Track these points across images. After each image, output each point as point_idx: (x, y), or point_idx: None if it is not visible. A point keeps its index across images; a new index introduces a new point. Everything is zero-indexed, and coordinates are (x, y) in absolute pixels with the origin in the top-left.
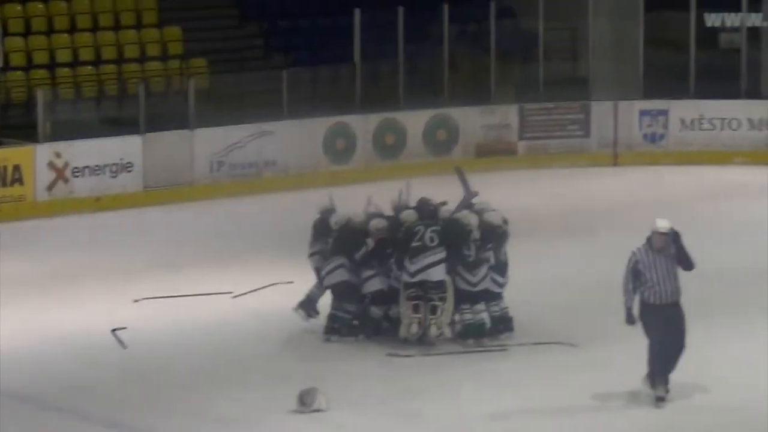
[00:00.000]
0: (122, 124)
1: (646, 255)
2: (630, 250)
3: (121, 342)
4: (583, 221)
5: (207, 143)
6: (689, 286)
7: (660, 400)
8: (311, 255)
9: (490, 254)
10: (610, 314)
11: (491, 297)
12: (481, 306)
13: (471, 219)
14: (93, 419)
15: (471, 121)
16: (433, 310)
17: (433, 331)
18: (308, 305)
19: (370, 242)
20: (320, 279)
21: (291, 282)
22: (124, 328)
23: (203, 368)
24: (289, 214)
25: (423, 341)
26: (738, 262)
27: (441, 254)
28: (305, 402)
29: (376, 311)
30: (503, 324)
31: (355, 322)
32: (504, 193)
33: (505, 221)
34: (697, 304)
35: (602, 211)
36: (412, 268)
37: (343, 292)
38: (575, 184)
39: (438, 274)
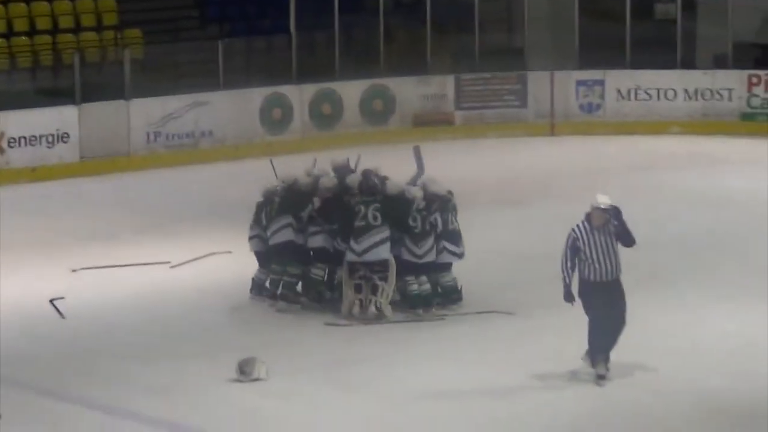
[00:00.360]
0: (58, 94)
1: (584, 232)
2: (567, 219)
3: (59, 312)
4: (520, 191)
5: (143, 114)
6: (622, 256)
7: (600, 378)
8: (251, 238)
9: (437, 222)
10: (548, 284)
11: (443, 267)
12: (424, 278)
13: (414, 192)
14: (30, 389)
15: (407, 91)
16: (374, 289)
17: (372, 310)
18: (260, 289)
19: (317, 201)
20: (261, 258)
21: (229, 252)
22: (62, 298)
23: (141, 338)
24: (226, 185)
25: (364, 319)
26: (672, 232)
27: (385, 232)
28: (245, 371)
29: (317, 272)
30: (456, 294)
31: (299, 288)
32: (441, 164)
33: (450, 192)
34: (630, 275)
35: (539, 181)
36: (357, 248)
37: (287, 253)
38: (512, 155)
39: (382, 253)
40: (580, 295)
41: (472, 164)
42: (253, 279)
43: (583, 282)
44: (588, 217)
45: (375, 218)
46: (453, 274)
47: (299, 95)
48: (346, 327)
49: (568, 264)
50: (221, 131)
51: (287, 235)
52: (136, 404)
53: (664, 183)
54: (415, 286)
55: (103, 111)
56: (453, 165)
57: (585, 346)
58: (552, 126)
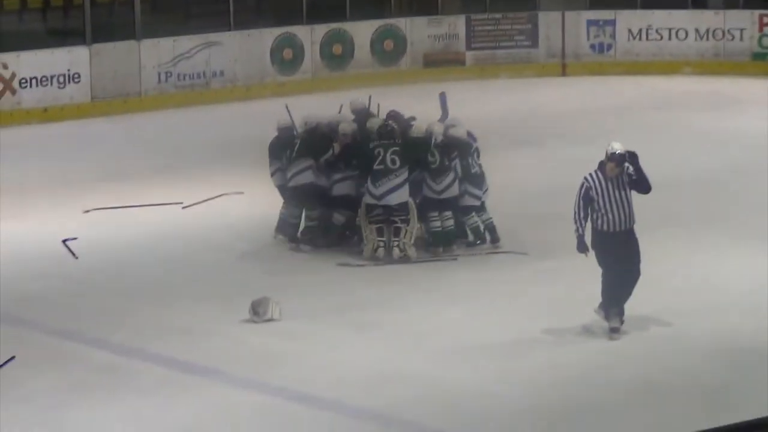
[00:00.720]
0: (68, 35)
1: (597, 181)
2: (579, 160)
3: (72, 252)
4: (532, 131)
5: (154, 54)
6: (636, 198)
7: (614, 332)
8: (273, 174)
9: (455, 163)
10: (561, 225)
11: (465, 210)
12: (448, 214)
13: (434, 127)
14: (44, 329)
15: (418, 31)
16: (396, 232)
17: (396, 252)
18: (285, 228)
19: (336, 147)
20: (284, 191)
21: (241, 192)
22: (74, 238)
23: (154, 279)
24: (237, 125)
25: (388, 261)
26: (685, 173)
27: (404, 175)
28: (258, 312)
29: (338, 218)
30: (490, 234)
31: (317, 230)
32: (452, 104)
33: (472, 136)
34: (644, 216)
35: (551, 122)
36: (376, 191)
37: (308, 195)
38: (523, 95)
39: (401, 196)
40: (594, 246)
41: (483, 105)
42: (279, 217)
43: (596, 232)
44: (601, 165)
45: (393, 162)
46: (488, 214)
47: (310, 36)
48: (358, 267)
49: (581, 214)
50: (232, 71)
51: (308, 178)
52: (148, 344)
53: (676, 123)
54: (437, 223)
55: (114, 51)
56: (464, 105)
57: (598, 297)
58: (563, 66)
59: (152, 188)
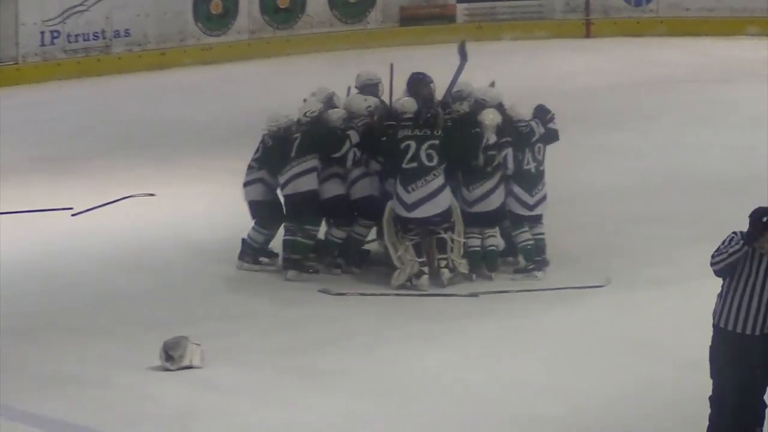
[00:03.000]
0: None
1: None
2: (610, 150)
3: None
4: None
5: (36, 6)
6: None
7: None
8: (249, 183)
9: (506, 158)
10: (594, 237)
11: (519, 219)
12: (492, 230)
13: (489, 116)
14: None
15: None
16: (441, 246)
17: (447, 275)
18: (256, 253)
19: (354, 135)
20: (257, 209)
21: (151, 194)
22: None
23: (31, 309)
24: (147, 103)
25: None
26: (753, 165)
27: (442, 176)
28: (172, 356)
29: (362, 230)
30: (537, 255)
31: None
32: (438, 75)
33: (544, 109)
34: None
35: (572, 99)
36: (408, 199)
37: (308, 206)
38: (534, 63)
39: (442, 202)
40: (711, 348)
41: (480, 77)
42: (244, 240)
43: (717, 330)
44: (754, 233)
45: (430, 158)
46: (541, 228)
47: None
48: (340, 297)
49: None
50: (141, 31)
51: (311, 183)
52: (20, 399)
53: (738, 100)
54: (476, 241)
55: None
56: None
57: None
58: (587, 24)
59: (31, 189)
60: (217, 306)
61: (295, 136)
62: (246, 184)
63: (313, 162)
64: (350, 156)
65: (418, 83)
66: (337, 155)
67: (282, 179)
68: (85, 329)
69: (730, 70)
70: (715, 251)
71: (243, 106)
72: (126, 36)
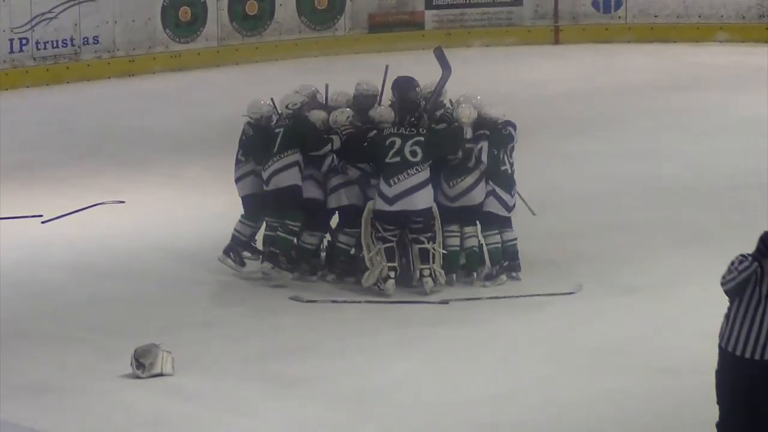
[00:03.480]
0: None
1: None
2: (580, 158)
3: None
4: (514, 119)
5: (4, 13)
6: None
7: None
8: (241, 178)
9: (480, 155)
10: (566, 245)
11: (493, 221)
12: (471, 229)
13: (465, 112)
14: None
15: None
16: (424, 255)
17: (429, 284)
18: (237, 249)
19: (336, 140)
20: (251, 201)
21: (121, 202)
22: None
23: (8, 317)
24: (116, 111)
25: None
26: (719, 175)
27: (426, 172)
28: (143, 364)
29: (346, 239)
30: (509, 261)
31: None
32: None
33: (509, 121)
34: (671, 233)
35: (540, 106)
36: (390, 192)
37: (290, 200)
38: (503, 69)
39: (424, 199)
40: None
41: (449, 83)
42: (233, 234)
43: (723, 354)
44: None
45: (414, 153)
46: (513, 233)
47: None
48: (311, 304)
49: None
50: (109, 38)
51: (292, 178)
52: None
53: (706, 107)
54: (454, 240)
55: None
56: (423, 83)
57: None
58: (556, 31)
59: (0, 196)
60: (188, 313)
61: (277, 130)
62: (237, 180)
63: (295, 156)
64: (327, 161)
65: (405, 86)
66: (315, 154)
67: (264, 174)
68: (57, 337)
69: (700, 77)
70: (725, 272)
71: (212, 113)
72: (95, 43)
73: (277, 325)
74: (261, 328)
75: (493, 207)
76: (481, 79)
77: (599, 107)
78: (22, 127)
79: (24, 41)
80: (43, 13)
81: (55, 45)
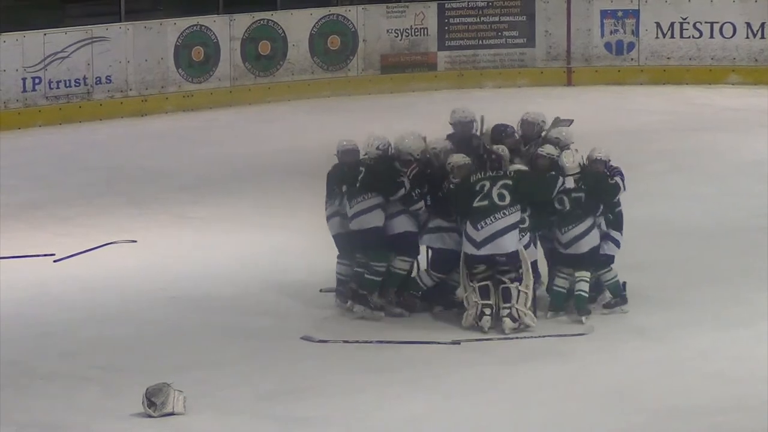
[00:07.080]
0: None
1: None
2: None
3: None
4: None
5: (17, 52)
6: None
7: None
8: (331, 217)
9: (582, 200)
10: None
11: (605, 261)
12: (584, 274)
13: (569, 157)
14: None
15: (374, 24)
16: (506, 295)
17: (508, 324)
18: (344, 289)
19: (407, 183)
20: (339, 241)
21: (133, 241)
22: None
23: (11, 356)
24: (129, 150)
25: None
26: (731, 217)
27: (515, 215)
28: (154, 403)
29: (401, 266)
30: (618, 295)
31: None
32: (420, 123)
33: (618, 171)
34: (679, 273)
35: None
36: (477, 236)
37: (373, 242)
38: (515, 110)
39: (510, 242)
40: None
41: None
42: (337, 278)
43: None
44: None
45: (502, 197)
46: (615, 271)
47: (228, 29)
48: (323, 344)
49: None
50: (122, 77)
51: (375, 220)
52: None
53: (719, 149)
54: (562, 281)
55: None
56: (435, 125)
57: None
58: (568, 72)
59: (11, 234)
60: (200, 353)
61: (361, 168)
62: (328, 219)
63: (378, 198)
64: (412, 196)
65: (501, 134)
66: (392, 198)
67: (349, 213)
68: (69, 376)
69: (712, 119)
70: None
71: (225, 153)
72: (107, 83)
73: (288, 365)
74: (272, 368)
75: (609, 249)
76: (494, 120)
77: (611, 148)
78: (34, 166)
79: (37, 80)
80: (55, 53)
81: (67, 84)
